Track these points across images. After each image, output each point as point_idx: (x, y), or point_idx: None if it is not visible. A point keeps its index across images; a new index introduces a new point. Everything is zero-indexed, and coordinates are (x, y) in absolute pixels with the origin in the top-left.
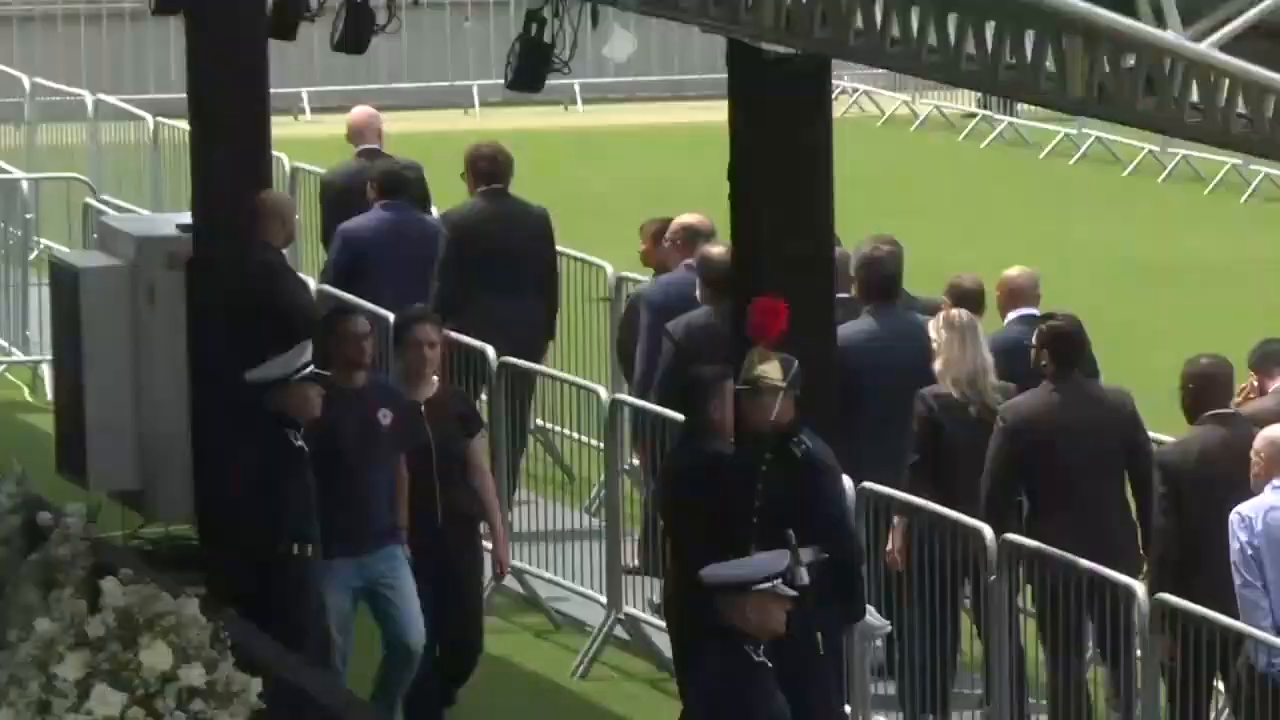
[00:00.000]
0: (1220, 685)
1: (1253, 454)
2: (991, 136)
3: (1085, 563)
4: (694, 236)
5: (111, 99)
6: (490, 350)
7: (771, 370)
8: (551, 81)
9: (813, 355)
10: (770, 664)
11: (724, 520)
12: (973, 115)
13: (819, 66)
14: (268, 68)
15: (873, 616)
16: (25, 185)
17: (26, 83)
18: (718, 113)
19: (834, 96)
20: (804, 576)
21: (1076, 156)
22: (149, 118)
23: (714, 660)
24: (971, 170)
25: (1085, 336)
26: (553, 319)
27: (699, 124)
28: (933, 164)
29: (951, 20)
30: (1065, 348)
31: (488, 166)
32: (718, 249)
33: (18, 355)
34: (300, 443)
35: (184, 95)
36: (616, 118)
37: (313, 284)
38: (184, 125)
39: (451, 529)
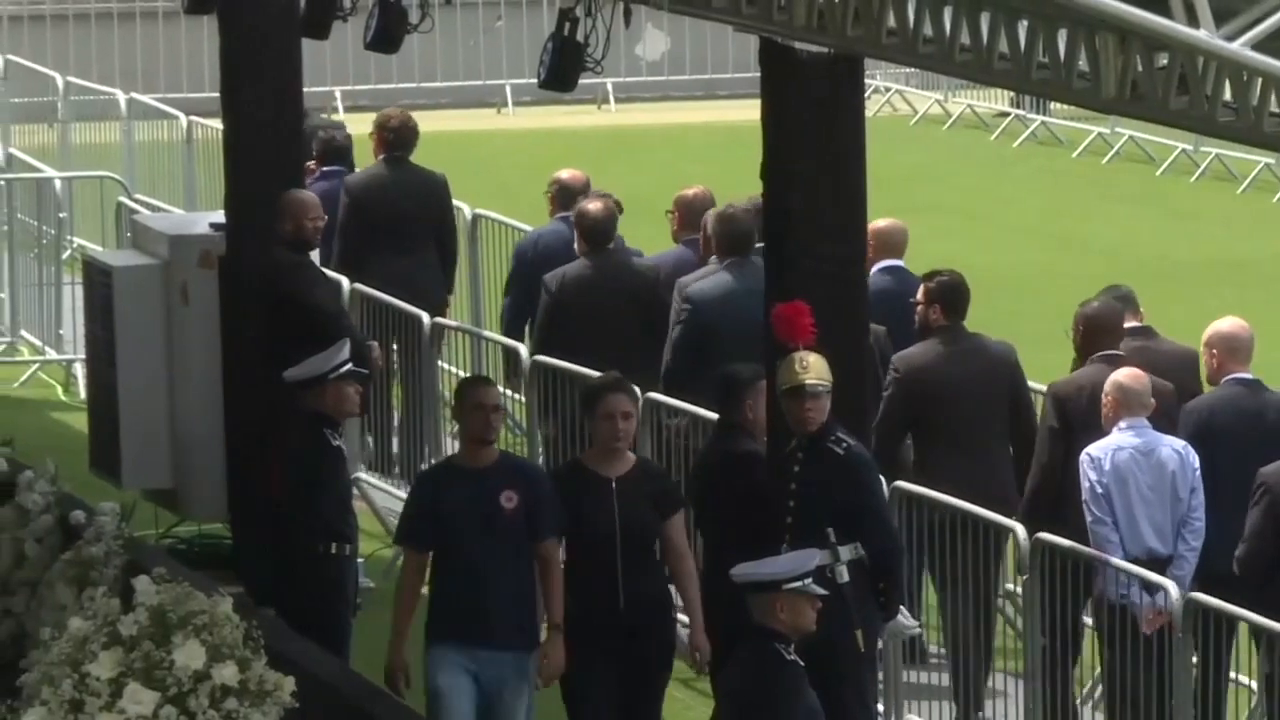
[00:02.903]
0: (1088, 619)
1: (1103, 397)
2: (1024, 135)
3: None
4: (564, 191)
5: (145, 98)
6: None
7: (818, 373)
8: (584, 81)
9: (845, 354)
10: (802, 662)
11: (757, 519)
12: (1005, 114)
13: (851, 65)
14: (301, 67)
15: (903, 615)
16: (59, 184)
17: (60, 82)
18: (750, 112)
19: (866, 95)
20: (844, 574)
21: (1109, 155)
22: (182, 116)
23: (745, 659)
24: (1004, 169)
25: (969, 291)
26: (450, 276)
27: (731, 123)
28: (965, 163)
29: (984, 19)
30: (955, 301)
31: (392, 136)
32: (594, 203)
33: (51, 354)
34: (338, 442)
35: (217, 94)
36: (649, 117)
37: (346, 284)
38: (217, 124)
39: (638, 621)
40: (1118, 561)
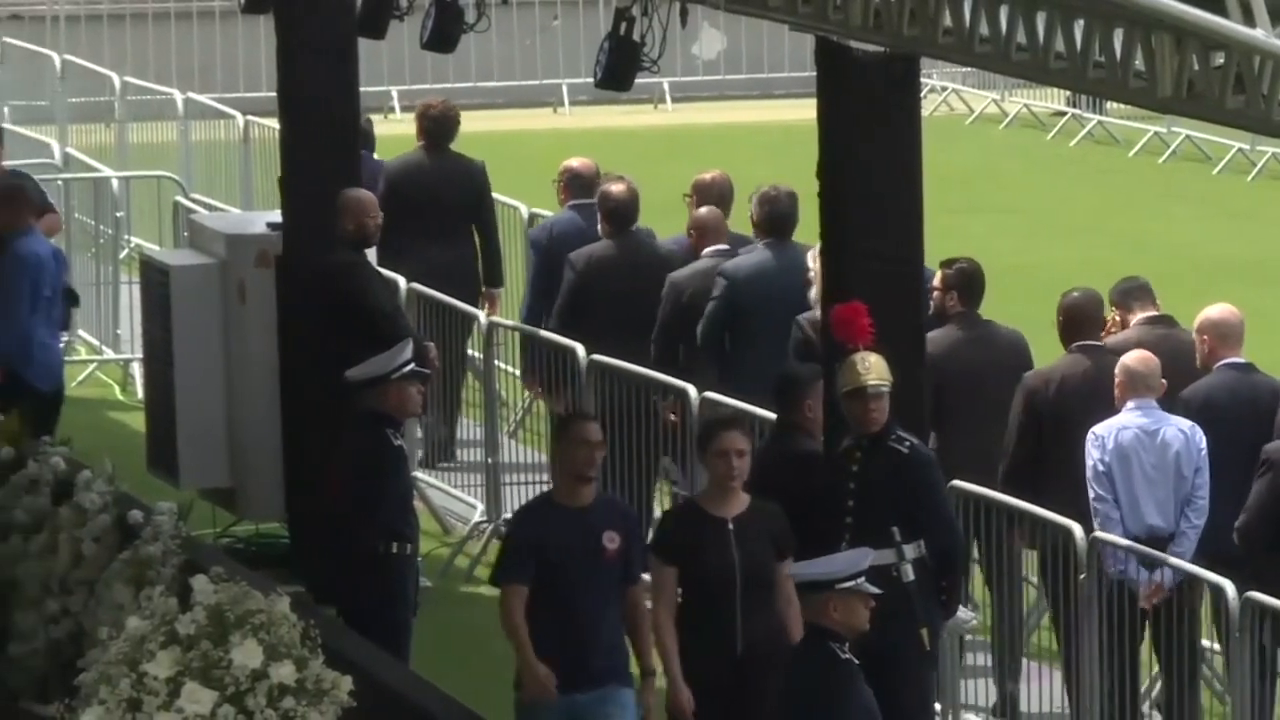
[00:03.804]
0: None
1: (1115, 378)
2: (1081, 135)
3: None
4: (576, 179)
5: (201, 97)
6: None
7: (879, 373)
8: (640, 80)
9: (902, 354)
10: (857, 661)
11: (816, 518)
12: (1062, 113)
13: (907, 65)
14: (357, 66)
15: (960, 611)
16: (116, 184)
17: (117, 81)
18: (806, 111)
19: (922, 95)
20: (909, 573)
21: (1166, 155)
22: (239, 116)
23: (799, 658)
24: (1060, 169)
25: (984, 278)
26: (492, 267)
27: (788, 122)
28: (1021, 162)
29: (1040, 19)
30: (972, 288)
31: (432, 125)
32: (617, 185)
33: (109, 353)
34: (399, 442)
35: (274, 94)
36: (705, 116)
37: (402, 283)
38: (274, 124)
39: (753, 664)
40: (1113, 538)
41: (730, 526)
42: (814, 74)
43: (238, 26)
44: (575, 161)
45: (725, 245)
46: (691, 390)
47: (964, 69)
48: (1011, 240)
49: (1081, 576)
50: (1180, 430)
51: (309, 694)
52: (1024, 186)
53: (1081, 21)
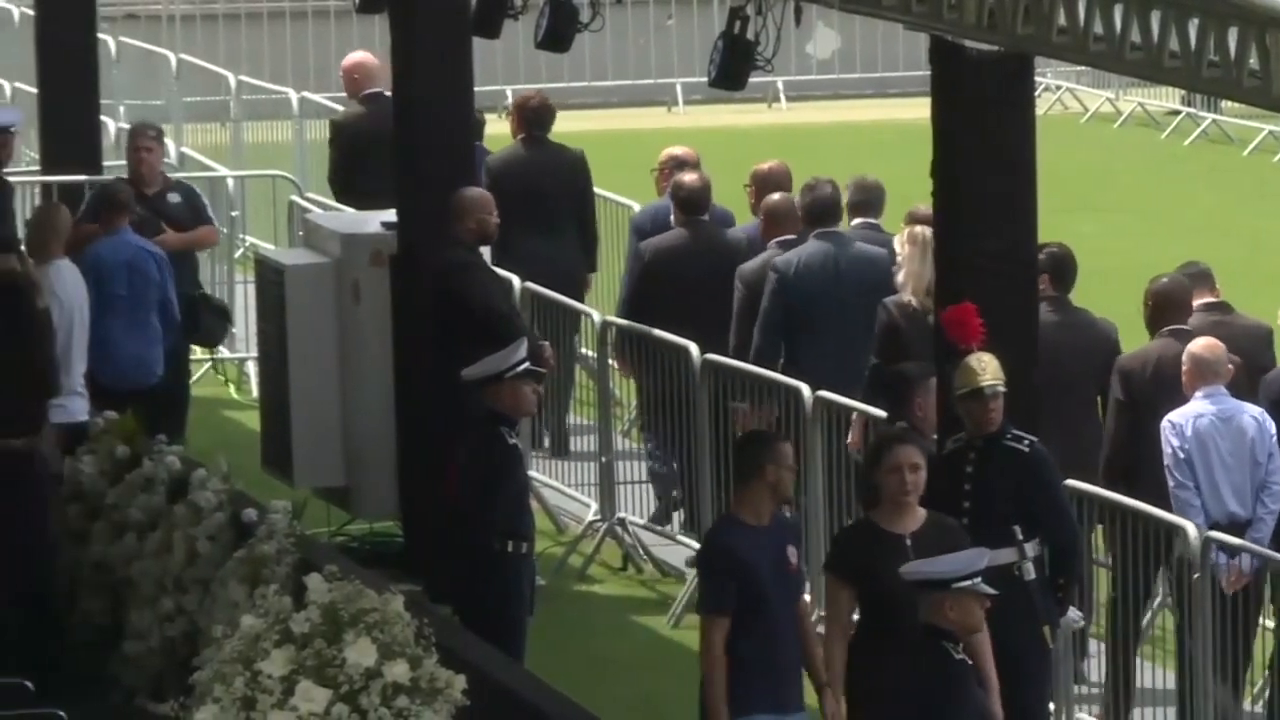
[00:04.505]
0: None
1: (1182, 366)
2: (1195, 134)
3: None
4: (676, 164)
5: (316, 97)
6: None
7: (994, 373)
8: (754, 79)
9: (1014, 352)
10: (970, 661)
11: None
12: (1176, 112)
13: (1022, 64)
14: (472, 65)
15: (1070, 609)
16: (231, 183)
17: (232, 81)
18: (921, 110)
19: (1036, 94)
20: (1030, 572)
21: None
22: None
23: (913, 657)
24: (1174, 168)
25: (1077, 264)
26: (592, 256)
27: (902, 121)
28: (1135, 161)
29: (1154, 17)
30: (1063, 272)
31: (532, 115)
32: (689, 176)
33: (224, 352)
34: (514, 440)
35: (388, 93)
36: (820, 115)
37: (516, 282)
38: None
39: None
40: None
41: (908, 543)
42: (928, 73)
43: (352, 26)
44: (678, 149)
45: (793, 235)
46: (805, 389)
47: (1078, 68)
48: (1125, 240)
49: (1195, 576)
50: (1253, 417)
51: (423, 693)
52: (1138, 186)
53: (1196, 20)
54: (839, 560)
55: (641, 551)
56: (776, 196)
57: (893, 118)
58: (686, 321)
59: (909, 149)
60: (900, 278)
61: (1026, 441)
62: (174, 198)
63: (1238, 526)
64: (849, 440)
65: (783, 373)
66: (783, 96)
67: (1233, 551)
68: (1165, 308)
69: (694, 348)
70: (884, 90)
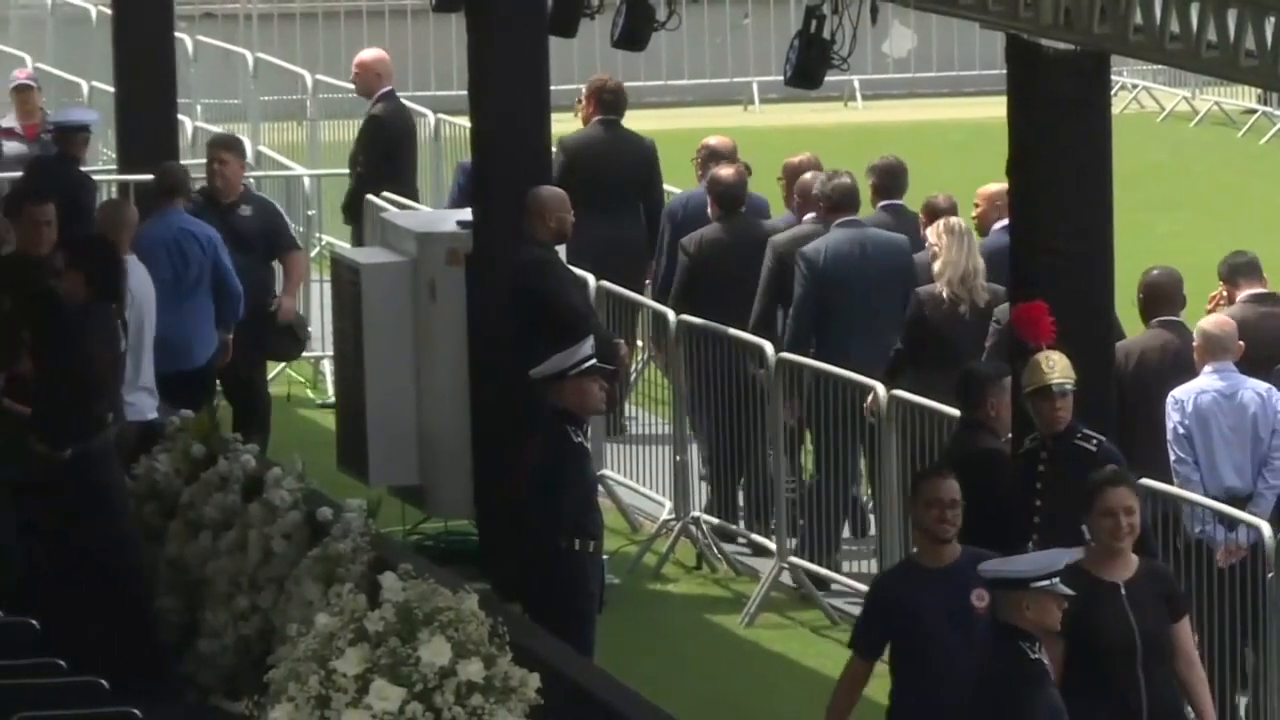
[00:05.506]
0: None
1: (1193, 343)
2: (1272, 133)
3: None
4: (714, 156)
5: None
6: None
7: (1063, 371)
8: (831, 78)
9: (1089, 352)
10: (1047, 660)
11: (1003, 516)
12: (1253, 111)
13: (1098, 62)
14: (548, 64)
15: None
16: (307, 182)
17: (309, 80)
18: (997, 109)
19: (1113, 92)
20: None
21: None
22: (430, 114)
23: (990, 656)
24: (1251, 167)
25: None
26: (654, 241)
27: (978, 120)
28: (1212, 160)
29: (1231, 16)
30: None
31: (610, 97)
32: (726, 169)
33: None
34: (579, 439)
35: (465, 92)
36: (896, 114)
37: (592, 281)
38: (465, 122)
39: None
40: (1196, 497)
41: (1123, 592)
42: (1004, 71)
43: (429, 25)
44: (714, 139)
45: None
46: (880, 388)
47: (1155, 66)
48: (1202, 239)
49: (1269, 575)
50: (1257, 393)
51: (497, 691)
52: (1214, 184)
53: (1272, 19)
54: None
55: (716, 551)
56: (809, 176)
57: (968, 116)
58: (729, 314)
59: (985, 148)
60: (937, 267)
61: (1095, 441)
62: (245, 210)
63: (1237, 501)
64: (865, 403)
65: (815, 358)
66: (859, 95)
67: (1232, 524)
68: (1157, 299)
69: (769, 346)
70: (960, 89)
